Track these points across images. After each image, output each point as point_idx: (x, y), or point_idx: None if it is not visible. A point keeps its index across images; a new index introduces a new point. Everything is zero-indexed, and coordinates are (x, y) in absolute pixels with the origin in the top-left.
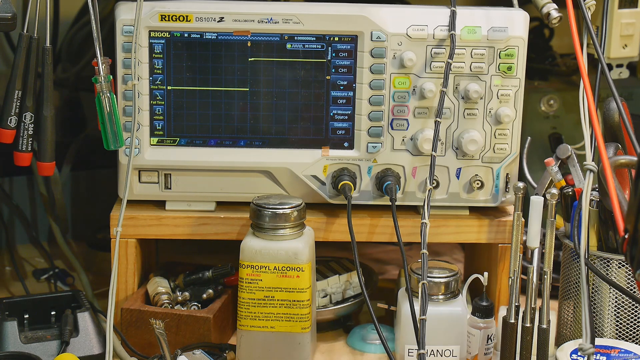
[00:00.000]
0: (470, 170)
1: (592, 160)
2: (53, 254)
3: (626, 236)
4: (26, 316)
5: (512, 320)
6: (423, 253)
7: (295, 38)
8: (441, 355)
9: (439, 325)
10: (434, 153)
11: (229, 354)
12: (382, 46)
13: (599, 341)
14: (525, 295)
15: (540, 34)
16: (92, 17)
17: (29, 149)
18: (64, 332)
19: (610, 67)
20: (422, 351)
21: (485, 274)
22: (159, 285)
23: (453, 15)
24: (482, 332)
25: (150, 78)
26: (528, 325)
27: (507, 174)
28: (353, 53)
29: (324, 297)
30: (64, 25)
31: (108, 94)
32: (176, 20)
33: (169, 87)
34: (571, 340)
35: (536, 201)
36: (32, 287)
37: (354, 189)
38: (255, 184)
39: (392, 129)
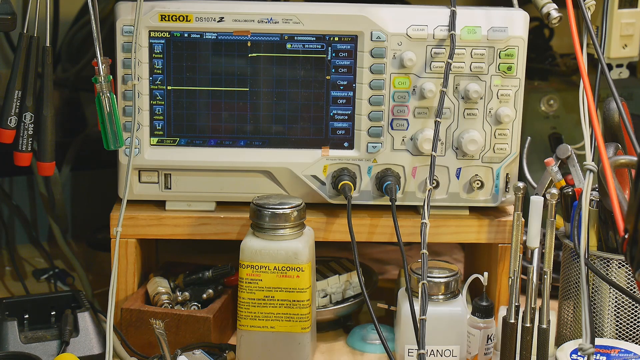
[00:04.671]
0: (470, 170)
1: (592, 160)
2: (53, 254)
3: (626, 236)
4: (26, 316)
5: (512, 320)
6: (423, 253)
7: (295, 38)
8: (441, 355)
9: (439, 325)
10: (434, 153)
11: (229, 354)
12: (382, 46)
13: (599, 341)
14: (525, 295)
15: (540, 34)
16: (92, 17)
17: (29, 149)
18: (64, 332)
19: (610, 67)
20: (422, 351)
21: (485, 274)
22: (159, 285)
23: (453, 15)
24: (482, 332)
25: (150, 78)
26: (528, 325)
27: (507, 174)
28: (353, 53)
29: (324, 297)
30: (64, 25)
31: (108, 94)
32: (176, 20)
33: (169, 87)
34: (571, 340)
35: (536, 201)
36: (32, 287)
37: (354, 189)
38: (255, 184)
39: (392, 129)
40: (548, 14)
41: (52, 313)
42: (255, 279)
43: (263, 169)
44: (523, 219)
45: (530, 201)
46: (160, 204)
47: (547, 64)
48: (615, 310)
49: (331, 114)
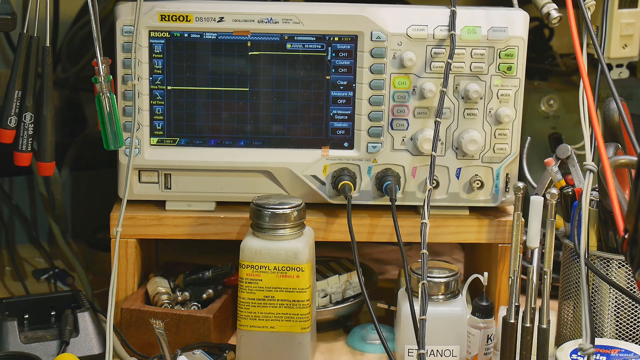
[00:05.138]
0: (470, 170)
1: (592, 160)
2: (53, 254)
3: (626, 236)
4: (26, 316)
5: (512, 320)
6: (423, 253)
7: (295, 38)
8: (441, 355)
9: (439, 325)
10: (434, 153)
11: (229, 354)
12: (382, 46)
13: (599, 341)
14: (525, 295)
15: (540, 34)
16: (92, 17)
17: (29, 149)
18: (64, 332)
19: (610, 67)
20: (422, 351)
21: (485, 274)
22: (159, 285)
23: (453, 15)
24: (482, 332)
25: (150, 78)
26: (528, 325)
27: (507, 174)
28: (353, 53)
29: (324, 297)
30: (64, 25)
31: (108, 94)
32: (176, 20)
33: (169, 87)
34: (571, 340)
35: (536, 201)
36: (32, 287)
37: (354, 189)
38: (255, 184)
39: (392, 129)
40: (548, 14)
41: (52, 313)
42: (255, 279)
43: (263, 169)
44: (523, 219)
45: (530, 201)
46: (160, 204)
47: (547, 64)
48: (615, 310)
49: (331, 114)
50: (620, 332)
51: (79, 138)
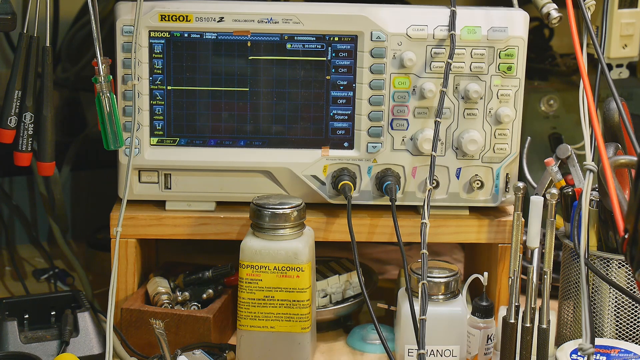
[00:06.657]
0: (470, 170)
1: (592, 160)
2: (53, 254)
3: (626, 236)
4: (26, 316)
5: (512, 320)
6: (423, 253)
7: (295, 38)
8: (441, 355)
9: (439, 325)
10: (433, 153)
11: (229, 354)
12: (382, 46)
13: (599, 341)
14: (525, 295)
15: (540, 34)
16: (92, 17)
17: (29, 149)
18: (64, 332)
19: (610, 67)
20: (422, 351)
21: (485, 274)
22: (159, 285)
23: (453, 15)
24: (482, 332)
25: (150, 78)
26: (528, 325)
27: (507, 174)
28: (353, 53)
29: (324, 297)
30: (64, 25)
31: (108, 94)
32: (176, 20)
33: (169, 87)
34: (571, 340)
35: (536, 201)
36: (32, 287)
37: (354, 189)
38: (255, 184)
39: (392, 129)
40: (548, 14)
41: (52, 313)
42: (255, 279)
43: (263, 169)
44: (523, 219)
45: (530, 201)
46: (160, 204)
47: (547, 64)
48: (615, 310)
49: (331, 114)
50: (620, 332)
51: (79, 138)
